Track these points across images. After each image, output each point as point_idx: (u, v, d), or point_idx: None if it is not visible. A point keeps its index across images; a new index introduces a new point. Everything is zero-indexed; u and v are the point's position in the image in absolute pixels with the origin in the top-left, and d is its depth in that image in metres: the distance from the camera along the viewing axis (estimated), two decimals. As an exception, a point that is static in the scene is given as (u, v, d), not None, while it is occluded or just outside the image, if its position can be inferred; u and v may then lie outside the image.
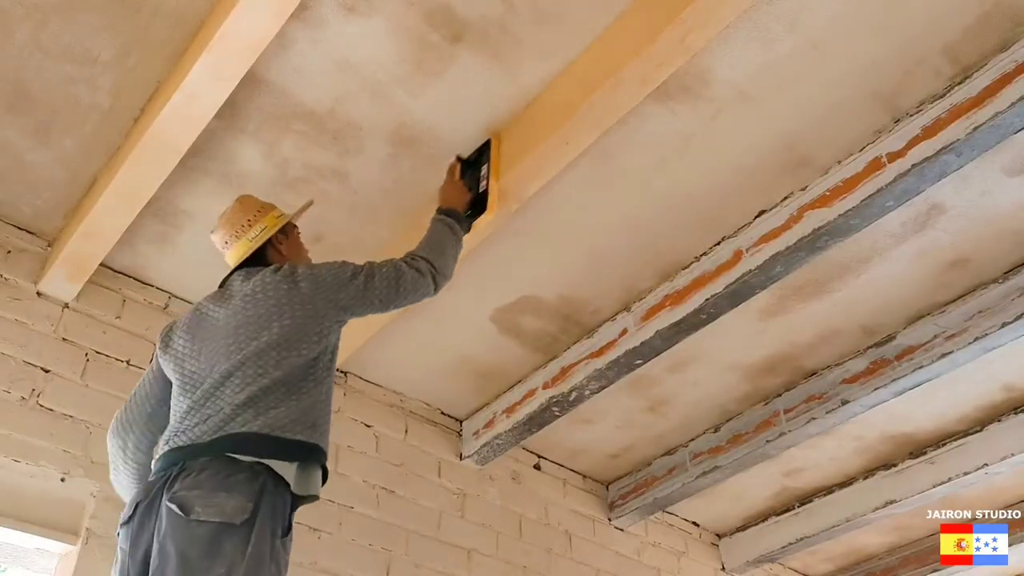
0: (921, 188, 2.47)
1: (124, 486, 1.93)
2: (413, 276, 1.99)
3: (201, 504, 1.50)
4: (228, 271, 2.02)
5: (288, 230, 2.10)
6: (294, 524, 1.65)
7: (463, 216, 2.31)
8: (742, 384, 3.55)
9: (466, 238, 2.31)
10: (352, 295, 1.88)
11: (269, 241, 2.02)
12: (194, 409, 1.71)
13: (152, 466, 1.76)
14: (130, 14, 2.15)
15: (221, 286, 1.99)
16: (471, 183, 2.42)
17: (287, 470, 1.62)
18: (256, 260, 1.99)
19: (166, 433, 1.75)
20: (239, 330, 1.78)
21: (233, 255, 2.01)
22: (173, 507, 1.51)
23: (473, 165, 2.47)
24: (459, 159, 2.51)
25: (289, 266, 1.90)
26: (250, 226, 2.01)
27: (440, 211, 2.27)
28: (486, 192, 2.36)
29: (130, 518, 1.63)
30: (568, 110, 2.24)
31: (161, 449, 1.72)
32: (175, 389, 1.83)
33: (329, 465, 3.06)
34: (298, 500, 1.66)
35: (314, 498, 1.69)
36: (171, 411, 1.82)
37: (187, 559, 1.45)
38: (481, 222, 2.36)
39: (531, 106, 2.40)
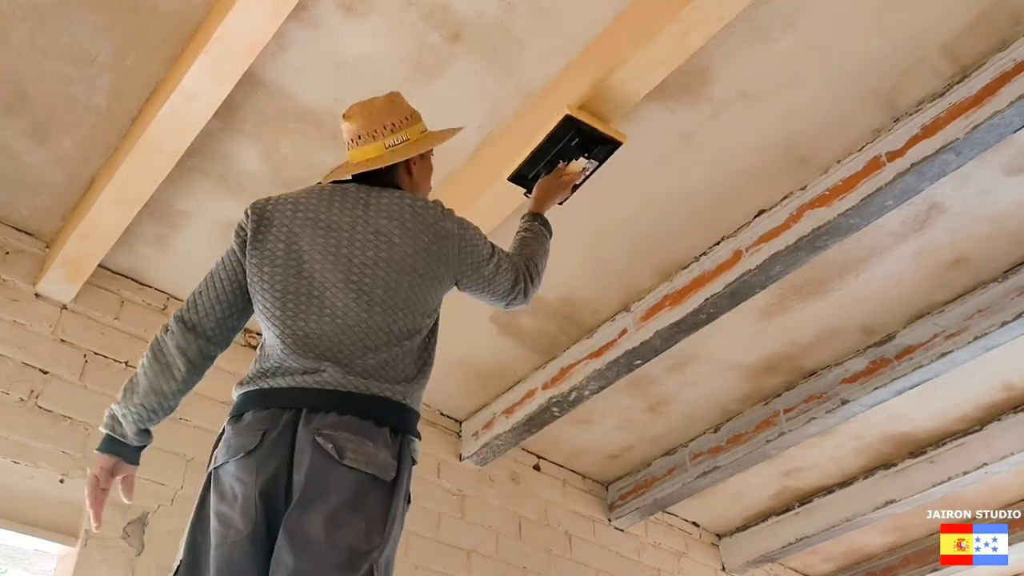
0: (920, 187, 2.47)
1: (161, 391, 1.59)
2: (523, 286, 1.81)
3: (352, 450, 1.41)
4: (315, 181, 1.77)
5: (427, 153, 1.82)
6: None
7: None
8: (742, 384, 3.54)
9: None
10: (481, 274, 1.70)
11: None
12: (316, 342, 1.51)
13: (249, 394, 1.54)
14: (128, 15, 2.14)
15: (332, 184, 1.68)
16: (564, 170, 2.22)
17: (417, 446, 1.55)
18: (379, 173, 1.70)
19: (277, 358, 1.53)
20: (377, 253, 1.55)
21: (360, 155, 1.69)
22: (328, 447, 1.41)
23: (559, 146, 2.19)
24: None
25: (445, 210, 1.67)
26: (393, 131, 1.70)
27: (536, 216, 2.03)
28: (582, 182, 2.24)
29: (257, 446, 1.46)
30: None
31: (275, 381, 1.51)
32: (273, 301, 1.56)
33: (328, 466, 3.11)
34: None
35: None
36: (270, 325, 1.56)
37: (333, 504, 1.38)
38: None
39: (529, 105, 2.40)
